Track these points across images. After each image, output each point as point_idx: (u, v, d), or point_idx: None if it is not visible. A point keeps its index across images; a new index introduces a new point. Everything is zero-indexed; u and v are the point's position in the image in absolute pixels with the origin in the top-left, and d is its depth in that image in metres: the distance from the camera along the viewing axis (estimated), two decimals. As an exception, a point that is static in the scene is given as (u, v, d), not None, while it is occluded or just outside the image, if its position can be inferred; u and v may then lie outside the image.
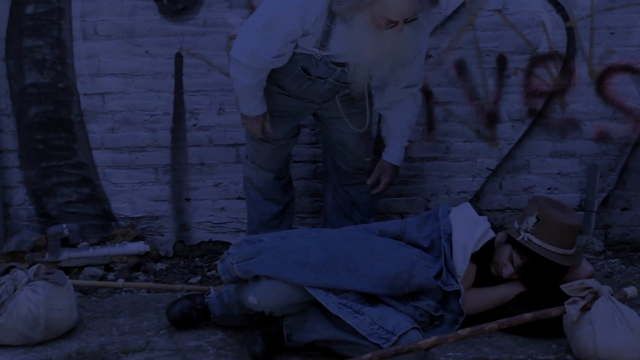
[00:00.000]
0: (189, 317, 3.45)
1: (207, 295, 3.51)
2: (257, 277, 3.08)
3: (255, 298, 3.06)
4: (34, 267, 3.47)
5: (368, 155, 4.03)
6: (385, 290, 3.15)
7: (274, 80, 3.73)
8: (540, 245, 3.26)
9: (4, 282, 3.35)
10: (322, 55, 3.53)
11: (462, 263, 3.31)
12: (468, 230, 3.37)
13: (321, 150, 4.35)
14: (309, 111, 3.90)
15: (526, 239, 3.29)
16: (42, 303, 3.32)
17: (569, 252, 3.30)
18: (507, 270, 3.35)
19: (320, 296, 3.04)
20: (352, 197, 4.08)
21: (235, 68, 3.60)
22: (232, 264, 3.11)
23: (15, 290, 3.34)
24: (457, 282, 3.29)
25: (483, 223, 3.40)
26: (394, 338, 2.94)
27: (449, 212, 3.48)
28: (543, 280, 3.32)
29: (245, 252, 3.13)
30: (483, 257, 3.36)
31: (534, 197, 3.45)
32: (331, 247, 3.18)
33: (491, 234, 3.38)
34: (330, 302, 3.04)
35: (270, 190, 4.03)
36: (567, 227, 3.27)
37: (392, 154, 3.90)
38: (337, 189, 4.12)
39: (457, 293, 3.29)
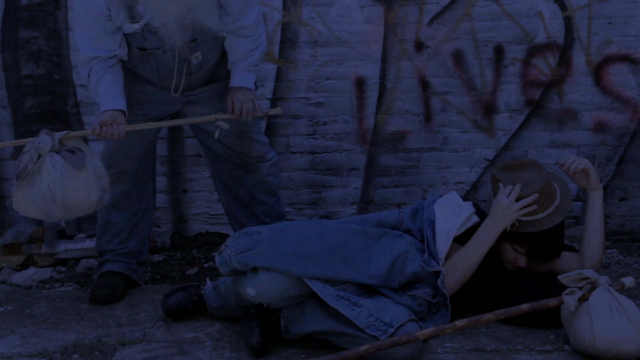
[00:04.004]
0: (184, 309, 3.45)
1: (203, 286, 3.51)
2: (255, 269, 3.07)
3: (254, 290, 3.05)
4: (62, 132, 3.43)
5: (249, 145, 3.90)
6: (382, 282, 3.15)
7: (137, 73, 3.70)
8: (529, 222, 3.27)
9: (28, 150, 3.33)
10: (141, 27, 3.48)
11: (443, 246, 3.29)
12: (451, 216, 3.36)
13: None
14: (173, 102, 3.75)
15: (516, 224, 3.29)
16: (58, 181, 3.31)
17: (556, 203, 3.30)
18: (523, 261, 3.35)
19: (318, 288, 3.03)
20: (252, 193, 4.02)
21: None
22: (230, 256, 3.10)
23: (39, 157, 3.33)
24: (438, 264, 3.27)
25: (467, 208, 3.39)
26: (392, 330, 2.94)
27: (434, 201, 3.47)
28: (554, 242, 3.34)
29: (243, 244, 3.12)
30: (468, 239, 3.35)
31: (492, 176, 3.40)
32: (328, 239, 3.17)
33: (475, 219, 3.37)
34: (327, 294, 3.03)
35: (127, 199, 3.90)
36: (541, 191, 3.25)
37: (233, 79, 3.69)
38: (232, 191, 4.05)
39: (439, 274, 3.27)
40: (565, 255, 3.45)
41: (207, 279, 3.57)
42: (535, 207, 3.24)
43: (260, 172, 3.96)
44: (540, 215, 3.27)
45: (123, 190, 3.84)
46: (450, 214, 3.37)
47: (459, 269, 3.27)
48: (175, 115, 3.80)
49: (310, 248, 3.10)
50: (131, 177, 3.84)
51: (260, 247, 3.08)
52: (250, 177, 3.96)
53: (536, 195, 3.23)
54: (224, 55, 3.73)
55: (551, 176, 3.38)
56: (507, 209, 3.25)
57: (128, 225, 3.90)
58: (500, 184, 3.30)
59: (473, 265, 3.28)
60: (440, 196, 3.51)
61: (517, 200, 3.24)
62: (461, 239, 3.34)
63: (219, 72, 3.75)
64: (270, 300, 3.07)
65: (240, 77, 3.69)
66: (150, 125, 3.64)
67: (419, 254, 3.26)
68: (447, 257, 3.29)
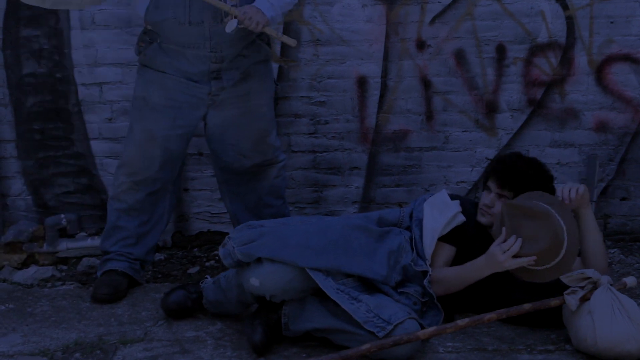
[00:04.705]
0: (184, 307, 3.45)
1: (202, 283, 3.51)
2: (259, 260, 3.08)
3: (258, 280, 3.06)
4: None
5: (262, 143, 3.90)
6: (383, 280, 3.16)
7: (162, 40, 3.63)
8: (523, 269, 3.18)
9: None
10: None
11: (429, 247, 3.31)
12: (438, 215, 3.37)
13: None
14: (201, 106, 3.72)
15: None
16: None
17: (558, 258, 3.15)
18: (498, 207, 3.35)
19: (320, 279, 3.04)
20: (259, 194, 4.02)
21: None
22: (234, 247, 3.11)
23: None
24: (425, 264, 3.28)
25: (453, 207, 3.40)
26: (390, 327, 2.93)
27: (424, 200, 3.49)
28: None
29: (247, 235, 3.13)
30: (459, 238, 3.36)
31: (502, 209, 3.23)
32: (330, 233, 3.18)
33: (460, 218, 3.38)
34: (328, 286, 3.04)
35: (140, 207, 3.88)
36: (541, 253, 3.12)
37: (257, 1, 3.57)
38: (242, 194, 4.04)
39: (426, 274, 3.28)
40: None
41: (208, 277, 3.57)
42: (533, 260, 3.13)
43: (269, 174, 3.97)
44: (536, 267, 3.16)
45: (137, 199, 3.82)
46: (437, 213, 3.39)
47: (444, 285, 3.29)
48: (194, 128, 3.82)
49: (313, 241, 3.12)
50: (147, 187, 3.82)
51: (264, 239, 3.09)
52: (259, 180, 3.97)
53: (534, 257, 3.10)
54: (259, 54, 3.73)
55: (560, 229, 3.15)
56: (500, 265, 3.16)
57: (136, 232, 3.87)
58: (503, 229, 3.18)
59: (460, 287, 3.29)
60: (432, 194, 3.53)
61: (515, 255, 3.13)
62: (448, 238, 3.36)
63: (249, 68, 3.73)
64: (273, 291, 3.07)
65: (260, 2, 3.55)
66: None
67: (412, 251, 3.28)
68: (433, 256, 3.31)
